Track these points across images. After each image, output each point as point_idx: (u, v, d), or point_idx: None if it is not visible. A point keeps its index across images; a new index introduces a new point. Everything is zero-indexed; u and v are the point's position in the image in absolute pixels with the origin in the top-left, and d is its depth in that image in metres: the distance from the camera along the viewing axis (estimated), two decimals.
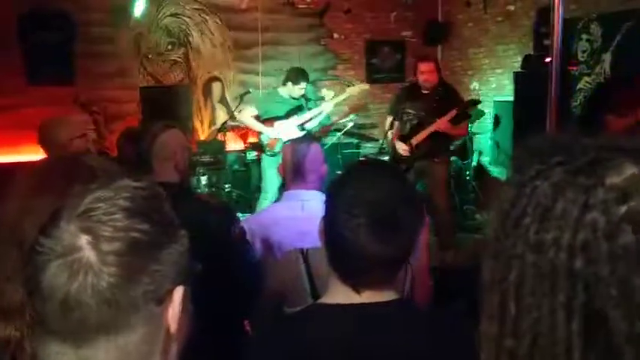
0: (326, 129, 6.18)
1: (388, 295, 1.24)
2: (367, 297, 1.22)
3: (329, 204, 1.26)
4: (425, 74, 4.94)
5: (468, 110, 5.23)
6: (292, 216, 2.38)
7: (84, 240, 0.71)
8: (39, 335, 0.75)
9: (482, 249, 0.67)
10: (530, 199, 0.61)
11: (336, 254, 1.24)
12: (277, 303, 1.78)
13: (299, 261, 1.76)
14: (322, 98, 5.70)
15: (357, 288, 1.21)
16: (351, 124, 6.58)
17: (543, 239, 0.59)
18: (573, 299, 0.57)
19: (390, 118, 5.26)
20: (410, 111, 5.00)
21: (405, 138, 5.04)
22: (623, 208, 0.57)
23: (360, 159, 5.00)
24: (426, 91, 4.99)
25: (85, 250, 0.71)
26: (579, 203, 0.58)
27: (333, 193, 1.26)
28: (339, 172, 1.37)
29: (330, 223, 1.23)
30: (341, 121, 6.61)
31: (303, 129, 5.46)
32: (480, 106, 5.76)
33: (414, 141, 4.99)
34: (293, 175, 2.56)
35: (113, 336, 0.73)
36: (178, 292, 0.79)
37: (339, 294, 1.23)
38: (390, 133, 5.17)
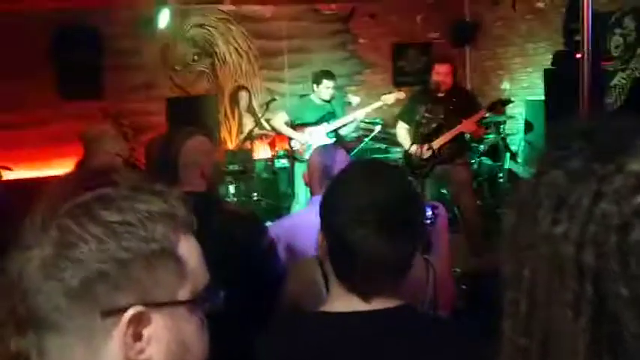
0: (351, 145, 6.09)
1: (394, 301, 1.20)
2: (373, 305, 1.18)
3: (330, 211, 1.20)
4: (440, 76, 4.86)
5: (499, 109, 5.15)
6: (317, 223, 2.33)
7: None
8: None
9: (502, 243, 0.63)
10: (547, 189, 0.57)
11: (343, 263, 1.19)
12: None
13: (316, 269, 1.70)
14: (349, 104, 5.65)
15: (366, 296, 1.17)
16: (378, 129, 6.51)
17: (555, 231, 0.54)
18: (581, 295, 0.52)
19: (402, 124, 5.14)
20: (427, 115, 4.88)
21: (423, 141, 4.91)
22: (639, 199, 0.51)
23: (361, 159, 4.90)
24: (441, 94, 4.90)
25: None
26: (591, 192, 0.53)
27: (333, 199, 1.21)
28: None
29: (335, 231, 1.18)
30: (368, 125, 6.54)
31: (334, 136, 5.45)
32: (511, 106, 5.65)
33: (436, 144, 4.90)
34: (320, 180, 2.52)
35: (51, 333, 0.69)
36: (143, 318, 0.69)
37: (340, 300, 1.20)
38: (407, 139, 5.05)
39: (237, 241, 1.95)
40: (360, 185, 1.20)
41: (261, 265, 2.07)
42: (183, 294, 0.73)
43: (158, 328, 0.70)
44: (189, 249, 0.75)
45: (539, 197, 0.57)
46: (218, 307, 0.77)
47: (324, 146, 4.69)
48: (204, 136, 2.30)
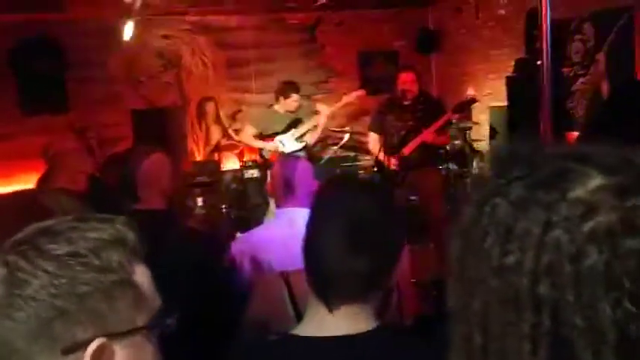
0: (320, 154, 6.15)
1: (364, 319, 1.17)
2: (341, 323, 1.15)
3: (309, 227, 1.23)
4: (406, 84, 4.91)
5: (465, 109, 5.22)
6: (282, 235, 2.32)
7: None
8: None
9: (447, 272, 0.60)
10: (490, 219, 0.55)
11: (312, 268, 1.20)
12: (260, 332, 1.71)
13: (280, 285, 1.69)
14: (317, 112, 5.69)
15: (330, 306, 1.15)
16: (347, 137, 6.54)
17: (506, 262, 0.53)
18: (539, 328, 0.51)
19: (373, 135, 5.20)
20: (396, 123, 4.94)
21: (393, 151, 4.97)
22: (589, 225, 0.50)
23: (341, 173, 4.93)
24: (407, 102, 4.95)
25: None
26: (541, 221, 0.52)
27: (312, 206, 1.25)
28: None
29: (307, 236, 1.21)
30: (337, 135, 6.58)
31: (302, 141, 5.48)
32: (476, 112, 5.73)
33: (404, 152, 4.95)
34: (283, 191, 2.52)
35: None
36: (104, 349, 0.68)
37: (313, 321, 1.18)
38: (377, 149, 5.09)
39: (193, 258, 1.94)
40: (338, 195, 1.23)
41: (219, 283, 2.06)
42: (141, 320, 0.73)
43: (120, 358, 0.69)
44: (142, 275, 0.75)
45: (484, 227, 0.55)
46: (171, 328, 0.76)
47: (286, 157, 4.69)
48: (162, 153, 2.29)
